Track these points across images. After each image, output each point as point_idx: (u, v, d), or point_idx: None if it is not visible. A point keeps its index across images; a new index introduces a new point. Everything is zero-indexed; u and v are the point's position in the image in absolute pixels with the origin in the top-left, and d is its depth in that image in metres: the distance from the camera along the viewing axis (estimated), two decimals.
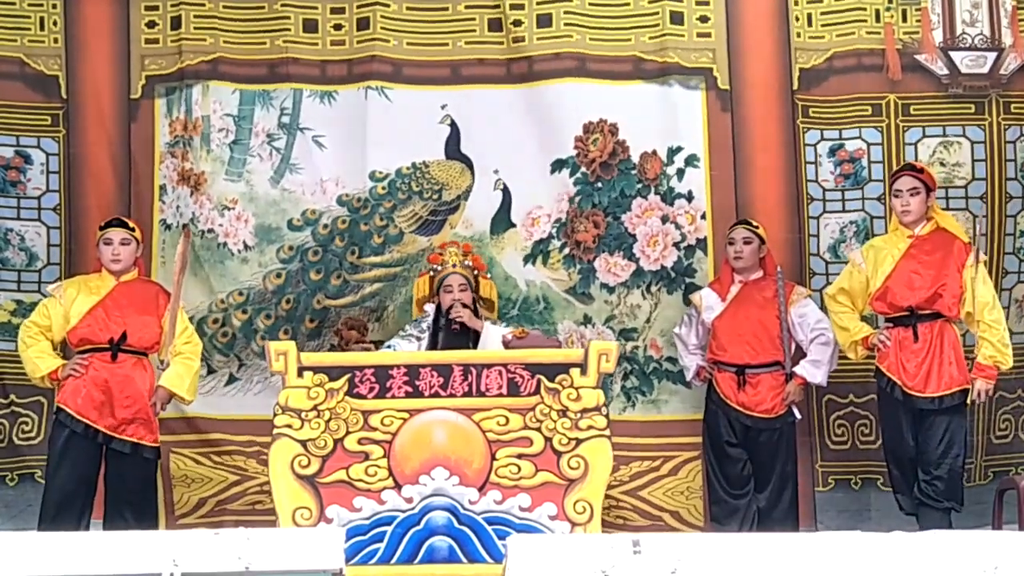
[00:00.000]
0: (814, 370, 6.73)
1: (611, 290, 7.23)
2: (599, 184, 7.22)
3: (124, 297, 6.56)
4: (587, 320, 7.23)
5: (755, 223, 6.93)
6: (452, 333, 6.44)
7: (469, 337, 6.43)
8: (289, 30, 7.25)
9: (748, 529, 6.69)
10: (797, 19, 7.17)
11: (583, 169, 7.23)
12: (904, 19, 7.14)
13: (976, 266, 6.45)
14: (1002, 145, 7.07)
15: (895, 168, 6.96)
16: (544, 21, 7.22)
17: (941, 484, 6.39)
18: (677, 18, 7.20)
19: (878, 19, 7.14)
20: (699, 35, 7.21)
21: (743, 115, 7.22)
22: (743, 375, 6.73)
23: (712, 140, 7.19)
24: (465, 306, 6.50)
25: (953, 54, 7.09)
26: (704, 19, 7.20)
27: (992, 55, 7.07)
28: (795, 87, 7.18)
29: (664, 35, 7.19)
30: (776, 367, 6.74)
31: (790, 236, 7.17)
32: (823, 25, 7.18)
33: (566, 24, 7.19)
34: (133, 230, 6.67)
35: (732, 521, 6.74)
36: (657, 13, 7.20)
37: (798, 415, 6.78)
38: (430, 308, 6.65)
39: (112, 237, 6.61)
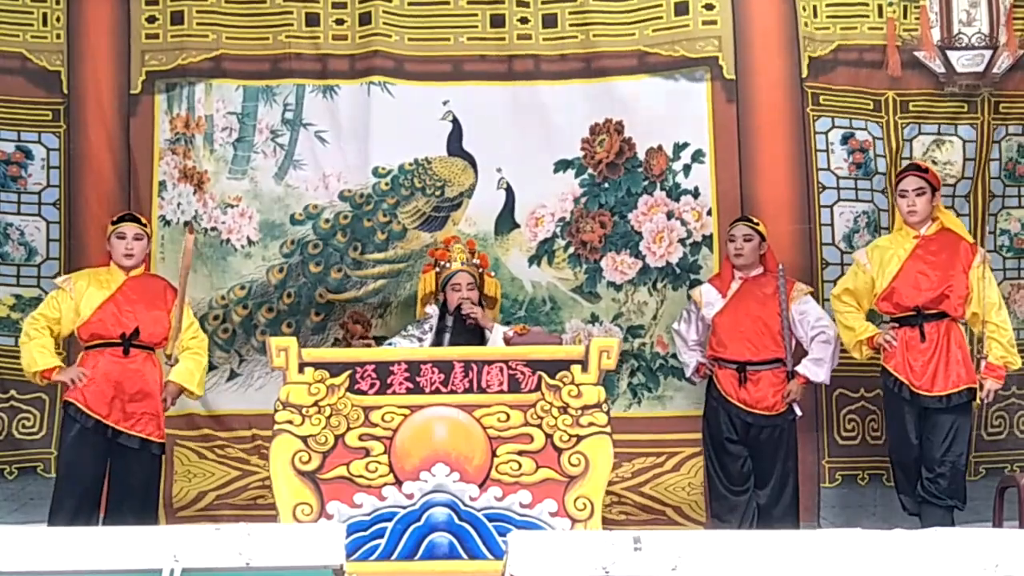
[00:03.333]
0: (816, 368, 6.71)
1: (618, 288, 7.23)
2: (606, 184, 7.22)
3: (135, 292, 6.49)
4: (594, 318, 7.23)
5: (755, 220, 6.92)
6: (464, 330, 6.40)
7: (479, 335, 6.41)
8: (291, 25, 7.25)
9: (748, 526, 6.69)
10: (804, 9, 7.16)
11: (590, 171, 7.22)
12: (905, 16, 7.15)
13: (982, 267, 6.45)
14: (989, 144, 7.08)
15: (895, 164, 6.97)
16: (549, 21, 7.22)
17: (944, 481, 6.39)
18: (682, 8, 7.20)
19: (880, 14, 7.14)
20: (704, 23, 7.19)
21: (749, 104, 7.21)
22: (744, 372, 6.72)
23: (717, 132, 7.19)
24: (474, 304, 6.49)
25: (949, 53, 7.09)
26: (709, 7, 7.19)
27: (988, 53, 7.07)
28: (804, 75, 7.16)
29: (669, 27, 7.19)
30: (777, 364, 6.73)
31: (800, 227, 7.16)
32: (828, 17, 7.19)
33: (571, 24, 7.19)
34: (145, 225, 6.63)
35: (732, 517, 6.74)
36: (661, 5, 7.19)
37: (799, 412, 6.77)
38: (431, 310, 6.63)
39: (125, 232, 6.53)
